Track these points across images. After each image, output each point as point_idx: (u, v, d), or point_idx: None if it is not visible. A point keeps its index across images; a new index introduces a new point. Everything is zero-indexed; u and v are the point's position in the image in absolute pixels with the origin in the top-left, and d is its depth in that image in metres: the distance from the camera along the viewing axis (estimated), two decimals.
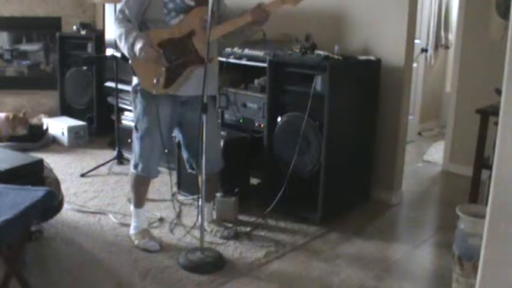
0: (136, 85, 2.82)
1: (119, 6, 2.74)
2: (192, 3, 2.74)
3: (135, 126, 2.87)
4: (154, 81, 2.67)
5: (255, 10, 2.73)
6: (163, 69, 2.69)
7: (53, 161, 4.03)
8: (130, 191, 2.99)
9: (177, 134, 3.04)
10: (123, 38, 2.64)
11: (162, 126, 2.75)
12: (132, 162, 2.91)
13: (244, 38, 3.06)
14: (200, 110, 2.62)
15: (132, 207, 3.01)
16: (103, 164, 4.21)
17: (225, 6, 2.92)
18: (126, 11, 2.69)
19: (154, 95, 2.70)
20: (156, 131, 2.76)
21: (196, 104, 2.77)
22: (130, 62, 2.75)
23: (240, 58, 3.75)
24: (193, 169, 3.03)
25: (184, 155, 3.04)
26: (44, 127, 4.96)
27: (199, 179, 2.91)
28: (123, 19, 2.69)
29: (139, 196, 2.96)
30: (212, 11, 2.56)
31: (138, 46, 2.58)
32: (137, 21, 2.73)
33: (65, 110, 5.39)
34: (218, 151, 3.00)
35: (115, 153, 4.34)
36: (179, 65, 2.72)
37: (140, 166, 2.84)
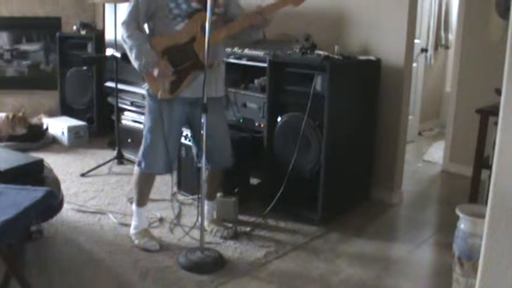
0: (145, 85, 2.88)
1: (127, 8, 2.74)
2: (199, 6, 2.73)
3: (144, 125, 2.95)
4: (161, 86, 2.73)
5: (252, 14, 2.74)
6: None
7: (53, 161, 4.03)
8: (134, 188, 3.00)
9: (189, 131, 3.11)
10: (134, 52, 2.68)
11: (166, 125, 2.79)
12: (136, 160, 2.95)
13: (248, 39, 3.08)
14: (200, 110, 2.64)
15: (133, 206, 3.02)
16: (103, 164, 4.21)
17: (237, 8, 2.90)
18: (135, 16, 2.71)
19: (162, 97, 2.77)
20: (159, 129, 2.79)
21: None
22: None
23: (240, 58, 3.75)
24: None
25: (194, 150, 3.10)
26: (44, 127, 4.97)
27: (207, 173, 2.99)
28: (132, 26, 2.70)
29: (142, 194, 2.97)
30: (213, 15, 2.56)
31: (156, 72, 2.67)
32: (143, 24, 2.77)
33: (65, 110, 5.39)
34: (229, 147, 3.03)
35: (115, 153, 4.34)
36: (182, 70, 2.75)
37: (143, 163, 2.88)
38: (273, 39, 3.80)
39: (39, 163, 2.89)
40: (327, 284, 2.62)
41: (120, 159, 4.31)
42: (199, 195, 2.89)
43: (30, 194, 2.21)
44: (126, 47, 2.73)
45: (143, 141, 2.90)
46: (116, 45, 4.23)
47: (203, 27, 2.66)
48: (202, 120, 2.64)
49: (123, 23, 2.73)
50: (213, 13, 2.63)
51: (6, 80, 5.76)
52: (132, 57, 2.71)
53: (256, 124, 3.67)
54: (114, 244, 2.95)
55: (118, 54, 4.01)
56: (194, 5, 2.73)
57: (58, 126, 4.95)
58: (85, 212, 3.37)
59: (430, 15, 5.64)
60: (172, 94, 2.77)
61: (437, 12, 5.71)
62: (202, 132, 2.66)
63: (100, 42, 4.93)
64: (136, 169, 2.95)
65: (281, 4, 2.75)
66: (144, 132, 2.91)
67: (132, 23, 2.71)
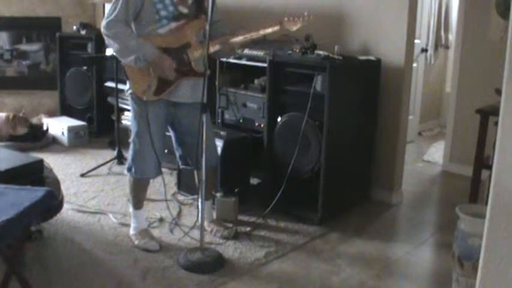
0: (128, 89, 2.84)
1: (114, 5, 2.64)
2: (185, 11, 2.73)
3: (131, 130, 2.91)
4: (146, 88, 2.70)
5: (224, 40, 2.76)
6: (156, 77, 2.72)
7: (53, 161, 4.03)
8: (129, 193, 3.00)
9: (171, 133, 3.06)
10: (131, 44, 2.61)
11: (153, 128, 2.76)
12: (126, 165, 2.93)
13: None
14: (200, 110, 2.63)
15: (131, 209, 3.02)
16: (103, 164, 4.21)
17: (218, 16, 2.86)
18: (124, 12, 2.63)
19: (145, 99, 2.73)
20: (146, 132, 2.75)
21: (187, 105, 2.83)
22: (124, 66, 2.75)
23: (240, 58, 3.75)
24: (186, 165, 3.05)
25: (177, 152, 3.05)
26: (44, 127, 4.96)
27: (196, 175, 3.01)
28: (121, 24, 2.62)
29: (138, 198, 2.97)
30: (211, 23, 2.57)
31: (158, 70, 2.66)
32: (131, 23, 2.71)
33: (65, 110, 5.39)
34: (213, 147, 3.01)
35: (115, 153, 4.34)
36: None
37: (133, 169, 2.86)
38: (273, 39, 3.79)
39: (39, 163, 2.89)
40: (327, 284, 2.62)
41: (120, 159, 4.31)
42: (198, 195, 2.88)
43: (30, 194, 2.21)
44: (118, 42, 2.62)
45: (131, 146, 2.86)
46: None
47: (199, 35, 2.67)
48: (203, 120, 2.64)
49: (110, 22, 2.61)
50: (202, 17, 2.66)
51: (6, 80, 5.76)
52: (127, 50, 2.62)
53: (256, 124, 3.67)
54: (114, 244, 2.94)
55: None
56: (181, 8, 2.71)
57: (58, 126, 4.95)
58: (85, 212, 3.37)
59: (430, 15, 5.63)
60: (157, 96, 2.75)
61: (437, 12, 5.71)
62: (202, 131, 2.65)
63: (100, 42, 4.91)
64: (127, 174, 2.93)
65: (274, 26, 2.82)
66: (131, 137, 2.86)
67: (120, 22, 2.62)
